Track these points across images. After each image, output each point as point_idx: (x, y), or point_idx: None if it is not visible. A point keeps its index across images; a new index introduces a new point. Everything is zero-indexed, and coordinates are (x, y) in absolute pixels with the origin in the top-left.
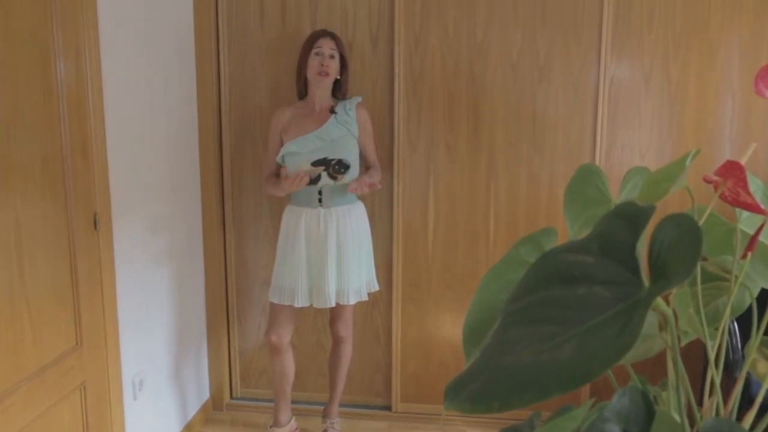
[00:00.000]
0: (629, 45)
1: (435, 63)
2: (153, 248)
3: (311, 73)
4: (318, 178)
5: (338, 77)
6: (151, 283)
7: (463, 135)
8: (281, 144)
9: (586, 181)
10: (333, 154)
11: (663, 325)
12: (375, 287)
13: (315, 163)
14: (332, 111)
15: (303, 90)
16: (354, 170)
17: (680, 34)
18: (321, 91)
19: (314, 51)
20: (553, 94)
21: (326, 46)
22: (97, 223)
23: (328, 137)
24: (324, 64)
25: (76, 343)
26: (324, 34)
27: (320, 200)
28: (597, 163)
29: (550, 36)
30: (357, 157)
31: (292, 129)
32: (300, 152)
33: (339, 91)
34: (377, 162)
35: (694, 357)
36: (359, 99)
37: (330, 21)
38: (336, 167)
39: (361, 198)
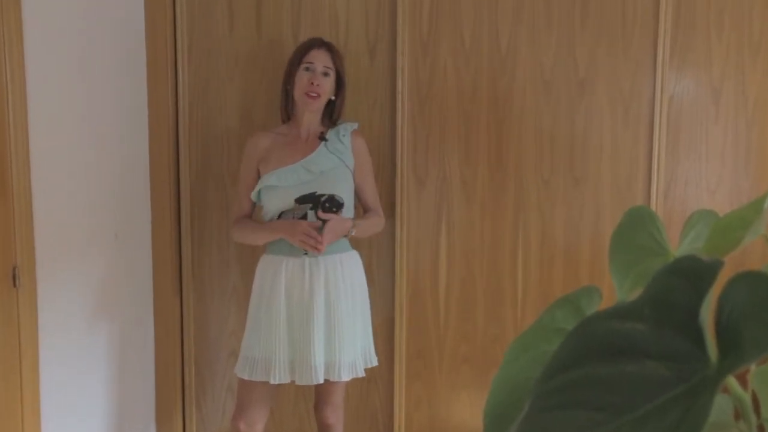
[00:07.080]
0: (693, 53)
1: (448, 77)
2: (89, 312)
3: (298, 93)
4: (303, 218)
5: (333, 98)
6: (85, 356)
7: (483, 167)
8: (258, 177)
9: (637, 227)
10: (322, 189)
11: (739, 412)
12: (373, 361)
13: (300, 200)
14: (322, 137)
15: (289, 113)
16: (348, 210)
17: (759, 38)
18: (309, 114)
19: (304, 65)
20: (596, 115)
21: (319, 61)
22: (17, 278)
23: (317, 168)
24: (315, 82)
25: None
26: (318, 44)
27: None
28: (653, 203)
29: (593, 42)
30: (352, 193)
31: (273, 159)
32: (281, 186)
33: (330, 115)
34: (378, 204)
35: None
36: (355, 126)
37: (316, 25)
38: (327, 205)
39: (356, 245)
